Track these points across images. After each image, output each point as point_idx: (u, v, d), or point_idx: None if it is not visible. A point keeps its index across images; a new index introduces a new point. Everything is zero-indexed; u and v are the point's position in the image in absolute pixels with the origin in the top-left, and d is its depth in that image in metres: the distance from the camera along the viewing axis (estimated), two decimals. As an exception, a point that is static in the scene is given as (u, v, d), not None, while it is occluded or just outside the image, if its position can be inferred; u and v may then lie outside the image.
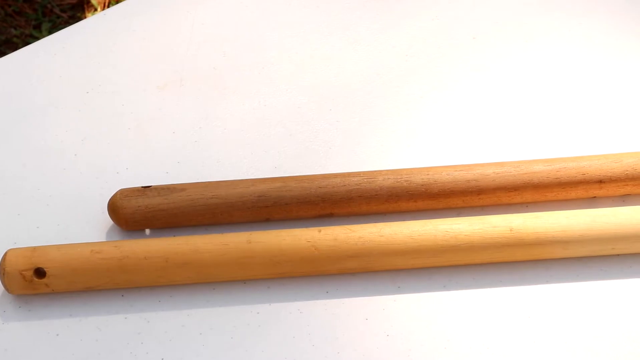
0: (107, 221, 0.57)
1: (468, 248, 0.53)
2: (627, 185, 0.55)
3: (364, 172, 0.56)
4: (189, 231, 0.56)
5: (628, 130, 0.61)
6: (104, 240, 0.56)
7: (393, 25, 0.71)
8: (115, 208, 0.55)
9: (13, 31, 1.39)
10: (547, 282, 0.54)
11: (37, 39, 1.37)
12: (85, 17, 1.40)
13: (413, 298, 0.53)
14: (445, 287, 0.54)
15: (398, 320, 0.52)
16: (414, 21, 0.71)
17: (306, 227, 0.54)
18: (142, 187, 0.55)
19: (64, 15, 1.43)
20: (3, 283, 0.52)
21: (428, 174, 0.55)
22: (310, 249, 0.52)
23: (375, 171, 0.56)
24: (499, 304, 0.53)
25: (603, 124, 0.62)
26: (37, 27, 1.41)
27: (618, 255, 0.54)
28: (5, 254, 0.52)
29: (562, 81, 0.65)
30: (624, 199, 0.57)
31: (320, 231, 0.53)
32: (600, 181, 0.55)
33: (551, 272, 0.54)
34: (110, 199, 0.56)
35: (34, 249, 0.52)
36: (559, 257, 0.54)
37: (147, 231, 0.56)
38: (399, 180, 0.55)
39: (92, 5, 1.44)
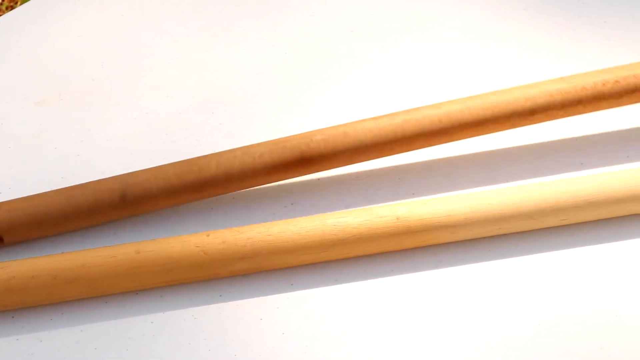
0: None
1: (356, 240, 0.53)
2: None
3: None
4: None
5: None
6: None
7: (272, 24, 0.71)
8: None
9: None
10: (437, 267, 0.54)
11: None
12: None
13: (306, 294, 0.54)
14: (337, 281, 0.54)
15: (293, 318, 0.52)
16: (293, 18, 0.71)
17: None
18: None
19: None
20: None
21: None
22: (199, 253, 0.52)
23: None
24: (391, 292, 0.53)
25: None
26: None
27: (504, 235, 0.55)
28: None
29: (440, 71, 0.66)
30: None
31: (208, 235, 0.53)
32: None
33: (440, 257, 0.55)
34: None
35: None
36: (447, 242, 0.55)
37: None
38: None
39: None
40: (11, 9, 1.45)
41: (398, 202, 0.55)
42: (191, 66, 0.68)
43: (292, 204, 0.58)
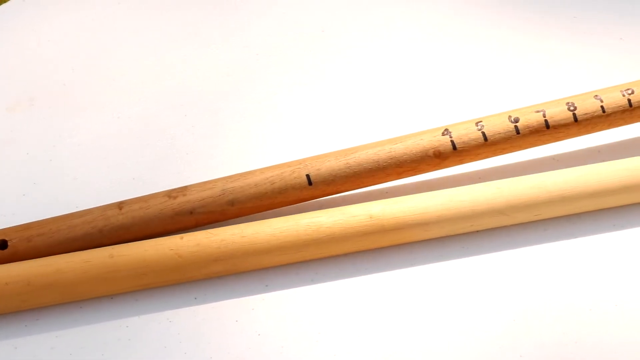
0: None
1: (330, 240, 0.53)
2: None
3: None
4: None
5: (476, 108, 0.62)
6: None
7: (243, 25, 0.71)
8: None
9: None
10: (412, 264, 0.54)
11: None
12: None
13: (282, 295, 0.54)
14: (313, 281, 0.54)
15: (268, 319, 0.52)
16: (263, 19, 0.71)
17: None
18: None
19: None
20: None
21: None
22: (174, 257, 0.52)
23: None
24: (366, 291, 0.53)
25: (450, 104, 0.63)
26: None
27: (477, 231, 0.55)
28: None
29: (411, 69, 0.66)
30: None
31: (182, 238, 0.53)
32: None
33: (415, 254, 0.55)
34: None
35: None
36: (421, 239, 0.55)
37: None
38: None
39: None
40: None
41: (371, 201, 0.55)
42: (162, 69, 0.67)
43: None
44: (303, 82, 0.66)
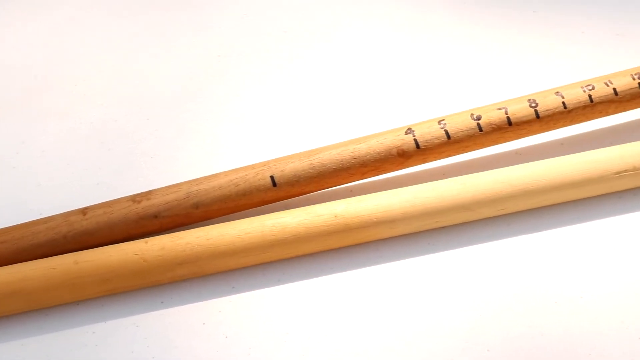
0: None
1: (296, 240, 0.53)
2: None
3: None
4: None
5: (439, 107, 0.62)
6: None
7: (204, 27, 0.71)
8: None
9: None
10: (378, 262, 0.55)
11: None
12: None
13: (249, 296, 0.53)
14: (279, 281, 0.54)
15: (235, 321, 0.52)
16: (225, 20, 0.71)
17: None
18: None
19: None
20: None
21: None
22: (139, 261, 0.52)
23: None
24: (333, 290, 0.53)
25: (413, 104, 0.63)
26: None
27: (443, 227, 0.55)
28: None
29: (374, 64, 0.67)
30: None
31: (147, 242, 0.53)
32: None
33: (381, 252, 0.55)
34: None
35: None
36: (387, 237, 0.55)
37: None
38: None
39: None
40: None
41: (336, 200, 0.55)
42: (124, 73, 0.67)
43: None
44: (266, 83, 0.66)
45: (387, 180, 0.59)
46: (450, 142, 0.56)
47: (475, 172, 0.56)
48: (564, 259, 0.54)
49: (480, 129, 0.56)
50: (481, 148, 0.57)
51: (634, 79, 0.57)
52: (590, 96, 0.56)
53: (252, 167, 0.55)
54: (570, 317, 0.51)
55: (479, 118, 0.56)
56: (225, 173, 0.55)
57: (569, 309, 0.52)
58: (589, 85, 0.57)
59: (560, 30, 0.68)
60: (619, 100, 0.57)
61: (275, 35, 0.69)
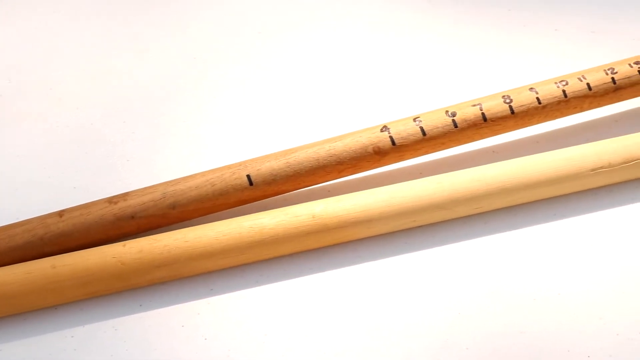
0: None
1: (274, 241, 0.53)
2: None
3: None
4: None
5: (414, 105, 0.63)
6: None
7: (180, 29, 0.71)
8: None
9: None
10: (356, 262, 0.55)
11: None
12: None
13: (227, 298, 0.53)
14: (257, 283, 0.54)
15: (214, 322, 0.52)
16: (200, 22, 0.71)
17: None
18: None
19: None
20: None
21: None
22: (117, 264, 0.52)
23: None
24: (312, 290, 0.53)
25: (389, 103, 0.64)
26: None
27: (420, 226, 0.56)
28: None
29: (349, 63, 0.67)
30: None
31: (125, 245, 0.52)
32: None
33: (359, 252, 0.55)
34: None
35: None
36: (365, 237, 0.55)
37: None
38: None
39: None
40: None
41: (314, 200, 0.55)
42: (99, 76, 0.67)
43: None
44: (242, 84, 0.66)
45: (365, 179, 0.59)
46: (426, 139, 0.56)
47: (451, 170, 0.56)
48: (541, 257, 0.54)
49: (456, 125, 0.56)
50: (457, 145, 0.57)
51: (607, 74, 0.58)
52: (564, 91, 0.57)
53: (229, 167, 0.55)
54: (548, 314, 0.52)
55: (454, 114, 0.56)
56: (202, 173, 0.55)
57: (547, 306, 0.52)
58: (562, 80, 0.57)
59: (534, 28, 0.69)
60: (592, 95, 0.57)
61: (251, 37, 0.69)
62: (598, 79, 0.57)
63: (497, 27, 0.69)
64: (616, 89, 0.57)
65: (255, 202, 0.56)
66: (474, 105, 0.56)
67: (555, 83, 0.57)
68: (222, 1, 0.72)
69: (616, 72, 0.58)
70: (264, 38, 0.69)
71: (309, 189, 0.58)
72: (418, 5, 0.71)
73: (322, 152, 0.55)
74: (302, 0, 0.72)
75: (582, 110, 0.58)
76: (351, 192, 0.55)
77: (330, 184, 0.58)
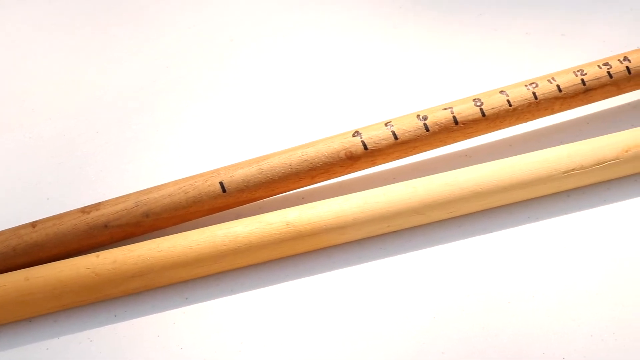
0: None
1: (248, 249, 0.53)
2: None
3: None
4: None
5: (386, 111, 0.63)
6: None
7: (152, 38, 0.70)
8: None
9: None
10: (331, 269, 0.55)
11: None
12: None
13: (202, 307, 0.53)
14: (233, 291, 0.54)
15: (190, 332, 0.52)
16: (172, 31, 0.71)
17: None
18: None
19: None
20: None
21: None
22: (90, 275, 0.52)
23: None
24: (287, 298, 0.53)
25: (361, 108, 0.64)
26: None
27: (394, 232, 0.56)
28: None
29: (323, 70, 0.67)
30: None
31: (98, 256, 0.52)
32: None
33: (334, 259, 0.55)
34: None
35: None
36: (339, 243, 0.55)
37: None
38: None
39: None
40: None
41: (287, 208, 0.55)
42: (72, 86, 0.67)
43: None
44: (215, 92, 0.66)
45: (339, 185, 0.59)
46: (398, 143, 0.56)
47: (424, 175, 0.56)
48: (515, 259, 0.54)
49: (427, 129, 0.56)
50: (430, 149, 0.57)
51: (576, 76, 0.58)
52: (534, 93, 0.57)
53: (202, 175, 0.55)
54: (523, 317, 0.52)
55: (425, 118, 0.56)
56: (175, 182, 0.55)
57: (522, 309, 0.52)
58: (532, 83, 0.57)
59: (505, 32, 0.69)
60: (563, 97, 0.58)
61: (222, 44, 0.69)
62: (568, 80, 0.58)
63: (468, 32, 0.69)
64: (586, 91, 0.58)
65: (228, 211, 0.56)
66: (445, 109, 0.57)
67: (526, 85, 0.57)
68: (194, 10, 0.72)
69: (585, 74, 0.58)
70: (236, 46, 0.69)
71: (283, 196, 0.58)
72: (389, 10, 0.71)
73: (294, 158, 0.55)
74: (273, 7, 0.72)
75: (553, 112, 0.58)
76: (325, 198, 0.55)
77: (304, 191, 0.58)
